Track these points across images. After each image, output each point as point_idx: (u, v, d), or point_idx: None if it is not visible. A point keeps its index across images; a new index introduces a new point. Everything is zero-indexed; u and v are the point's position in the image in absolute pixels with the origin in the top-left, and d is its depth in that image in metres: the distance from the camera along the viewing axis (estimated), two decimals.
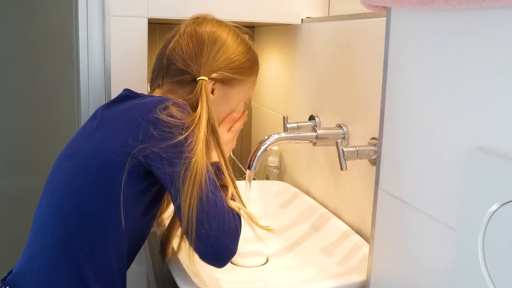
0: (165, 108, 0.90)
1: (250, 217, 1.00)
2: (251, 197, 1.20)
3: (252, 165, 1.14)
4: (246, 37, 1.13)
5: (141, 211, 0.96)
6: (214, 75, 1.03)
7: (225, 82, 1.06)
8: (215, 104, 1.04)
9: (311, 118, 1.35)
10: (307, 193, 1.40)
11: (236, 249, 0.92)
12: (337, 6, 1.39)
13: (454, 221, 0.64)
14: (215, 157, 1.00)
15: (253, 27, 1.84)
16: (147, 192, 0.94)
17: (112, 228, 0.91)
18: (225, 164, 1.01)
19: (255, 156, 1.14)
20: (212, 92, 1.04)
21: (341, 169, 1.02)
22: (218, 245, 0.89)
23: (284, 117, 1.30)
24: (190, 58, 1.03)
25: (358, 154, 1.03)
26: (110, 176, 0.89)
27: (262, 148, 1.13)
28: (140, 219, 0.96)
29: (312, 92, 1.38)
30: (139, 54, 1.29)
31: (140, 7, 1.26)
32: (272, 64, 1.68)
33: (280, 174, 1.60)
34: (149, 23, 1.28)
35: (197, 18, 1.10)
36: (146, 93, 1.07)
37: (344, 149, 1.02)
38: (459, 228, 0.63)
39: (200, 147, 0.90)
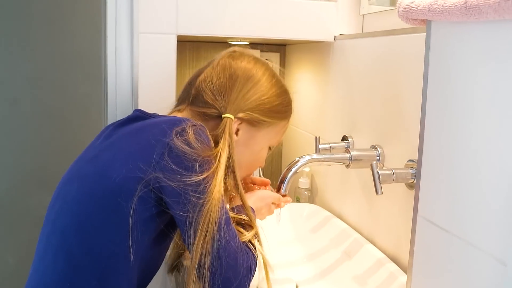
0: (182, 132, 0.82)
1: (266, 266, 0.93)
2: (281, 220, 1.15)
3: (282, 187, 1.09)
4: (282, 79, 1.06)
5: (152, 239, 0.88)
6: (241, 114, 0.96)
7: (252, 123, 0.98)
8: (238, 145, 0.96)
9: (344, 138, 1.30)
10: (339, 217, 1.34)
11: None
12: (370, 22, 1.34)
13: (505, 255, 0.58)
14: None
15: (284, 44, 1.80)
16: (159, 218, 0.86)
17: (122, 259, 0.83)
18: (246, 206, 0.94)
19: (286, 178, 1.09)
20: (237, 132, 0.97)
21: (376, 193, 0.96)
22: (227, 285, 0.83)
23: (316, 138, 1.25)
24: (219, 92, 0.96)
25: (394, 178, 0.97)
26: (118, 203, 0.81)
27: (293, 170, 1.08)
28: (152, 247, 0.89)
29: (345, 112, 1.33)
30: (167, 72, 1.26)
31: (169, 24, 1.24)
32: (304, 83, 1.64)
33: (312, 196, 1.54)
34: (178, 40, 1.25)
35: (234, 51, 1.03)
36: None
37: (379, 172, 0.96)
38: (511, 263, 0.56)
39: (218, 189, 0.82)
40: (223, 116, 0.95)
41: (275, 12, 1.33)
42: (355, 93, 1.27)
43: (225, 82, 0.97)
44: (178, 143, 0.81)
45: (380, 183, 0.96)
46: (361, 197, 1.24)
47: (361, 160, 1.13)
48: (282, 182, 1.10)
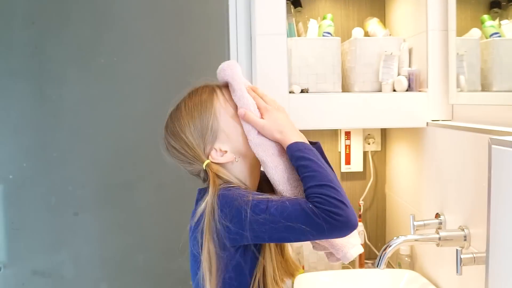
0: None
1: None
2: (381, 285, 1.31)
3: (380, 263, 1.29)
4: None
5: None
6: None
7: (214, 138, 1.10)
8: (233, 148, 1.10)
9: (437, 215, 1.47)
10: (437, 285, 1.49)
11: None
12: (460, 108, 1.51)
13: None
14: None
15: None
16: None
17: None
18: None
19: (383, 255, 1.28)
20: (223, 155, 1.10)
21: (457, 273, 1.13)
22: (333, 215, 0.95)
23: (411, 216, 1.43)
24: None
25: (475, 261, 1.13)
26: None
27: (389, 250, 1.27)
28: None
29: (437, 191, 1.50)
30: (280, 66, 1.55)
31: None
32: (403, 159, 1.82)
33: (412, 262, 1.70)
34: None
35: None
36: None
37: (462, 257, 1.13)
38: None
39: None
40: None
41: (375, 105, 1.57)
42: (446, 175, 1.44)
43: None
44: None
45: (461, 266, 1.13)
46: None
47: (451, 240, 1.29)
48: (380, 258, 1.29)
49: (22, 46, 1.67)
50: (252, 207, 0.97)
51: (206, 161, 1.08)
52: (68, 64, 1.69)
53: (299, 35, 1.80)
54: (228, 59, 1.63)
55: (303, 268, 1.73)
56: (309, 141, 1.15)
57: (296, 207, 0.97)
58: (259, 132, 1.09)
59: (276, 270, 1.10)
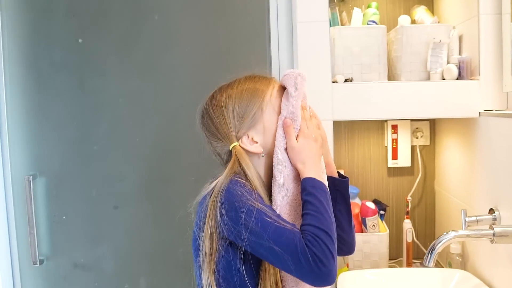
0: None
1: None
2: (430, 285, 1.24)
3: (429, 261, 1.21)
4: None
5: None
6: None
7: (251, 126, 1.10)
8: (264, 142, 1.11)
9: (491, 211, 1.38)
10: (490, 285, 1.40)
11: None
12: None
13: None
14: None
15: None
16: None
17: None
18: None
19: (432, 252, 1.21)
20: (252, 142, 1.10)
21: None
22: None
23: (462, 211, 1.34)
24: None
25: None
26: None
27: (439, 246, 1.20)
28: None
29: (491, 185, 1.41)
30: (322, 55, 1.50)
31: (326, 112, 1.48)
32: (453, 152, 1.73)
33: (463, 262, 1.61)
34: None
35: None
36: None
37: None
38: None
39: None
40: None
41: (423, 95, 1.49)
42: (501, 168, 1.35)
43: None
44: None
45: None
46: None
47: (506, 236, 1.20)
48: (429, 255, 1.22)
49: (64, 38, 1.67)
50: (249, 213, 0.97)
51: (235, 143, 1.09)
52: (109, 57, 1.67)
53: (342, 25, 1.73)
54: (269, 47, 1.58)
55: (347, 266, 1.67)
56: (339, 174, 1.19)
57: (291, 236, 0.95)
58: (286, 149, 1.08)
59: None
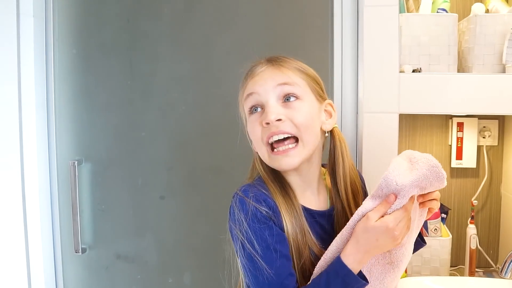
0: None
1: None
2: None
3: (506, 271, 1.09)
4: None
5: None
6: None
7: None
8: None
9: None
10: None
11: None
12: None
13: None
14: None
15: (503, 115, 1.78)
16: None
17: None
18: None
19: (509, 261, 1.09)
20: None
21: None
22: None
23: None
24: None
25: None
26: None
27: None
28: None
29: None
30: (391, 42, 1.41)
31: (391, 103, 1.36)
32: None
33: None
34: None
35: None
36: None
37: None
38: None
39: None
40: None
41: (491, 90, 1.37)
42: None
43: None
44: None
45: None
46: None
47: None
48: (505, 264, 1.10)
49: (114, 19, 1.60)
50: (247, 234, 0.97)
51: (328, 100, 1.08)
52: (160, 39, 1.60)
53: (409, 13, 1.62)
54: (332, 33, 1.48)
55: (406, 271, 1.56)
56: (420, 238, 1.10)
57: (274, 279, 0.93)
58: (362, 213, 0.95)
59: None
